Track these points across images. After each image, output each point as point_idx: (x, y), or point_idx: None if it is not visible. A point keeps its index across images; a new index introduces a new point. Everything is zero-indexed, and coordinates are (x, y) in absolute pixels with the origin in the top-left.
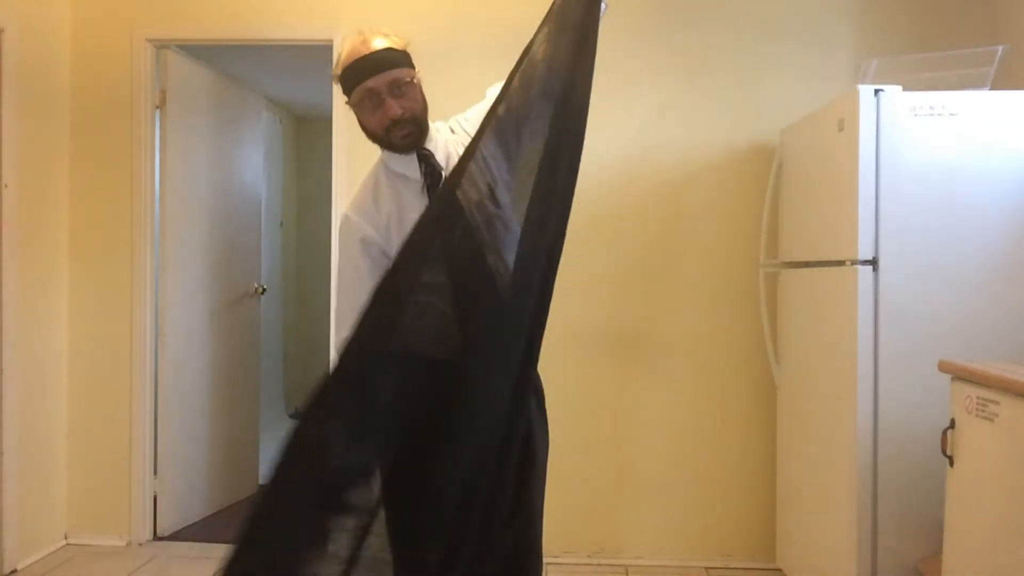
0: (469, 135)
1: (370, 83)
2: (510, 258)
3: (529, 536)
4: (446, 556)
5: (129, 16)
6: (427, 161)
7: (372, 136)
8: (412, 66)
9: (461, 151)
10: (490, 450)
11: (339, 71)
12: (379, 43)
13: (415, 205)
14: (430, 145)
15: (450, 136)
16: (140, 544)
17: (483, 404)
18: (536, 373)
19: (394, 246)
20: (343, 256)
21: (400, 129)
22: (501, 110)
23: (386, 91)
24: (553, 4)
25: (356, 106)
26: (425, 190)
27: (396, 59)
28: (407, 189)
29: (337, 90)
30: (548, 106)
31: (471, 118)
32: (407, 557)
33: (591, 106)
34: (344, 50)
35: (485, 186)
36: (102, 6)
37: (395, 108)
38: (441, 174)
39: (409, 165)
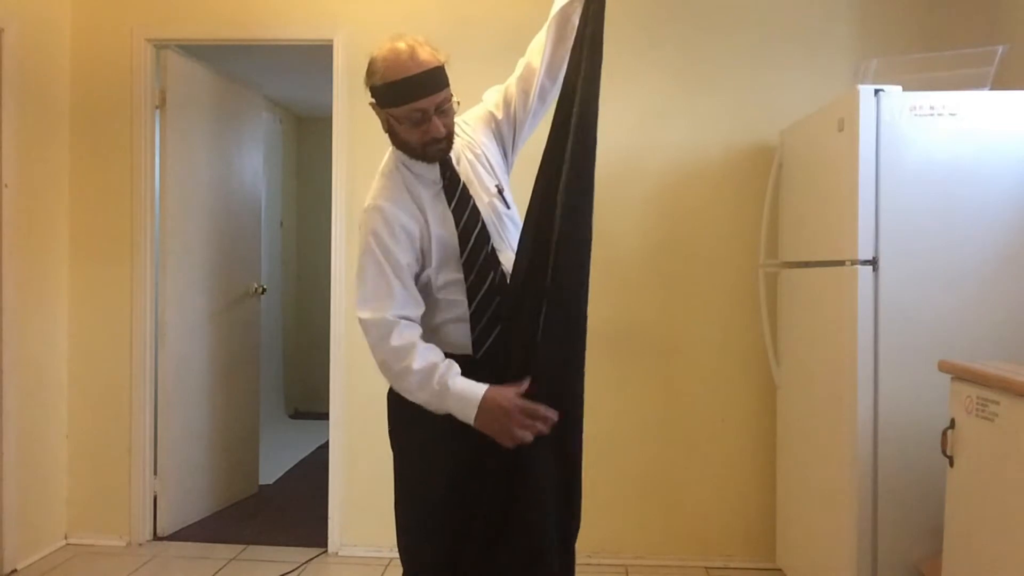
0: (472, 138)
1: (422, 104)
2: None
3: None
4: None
5: (129, 16)
6: (448, 166)
7: (404, 147)
8: (449, 82)
9: (468, 154)
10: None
11: (380, 82)
12: (427, 58)
13: (434, 206)
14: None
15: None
16: (140, 544)
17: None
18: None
19: (421, 240)
20: (379, 248)
21: (438, 144)
22: (500, 114)
23: (433, 111)
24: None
25: (397, 119)
26: (443, 192)
27: (444, 79)
28: (424, 189)
29: (339, 91)
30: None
31: (470, 121)
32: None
33: None
34: (385, 60)
35: (494, 187)
36: (102, 6)
37: (440, 128)
38: (459, 178)
39: (429, 168)
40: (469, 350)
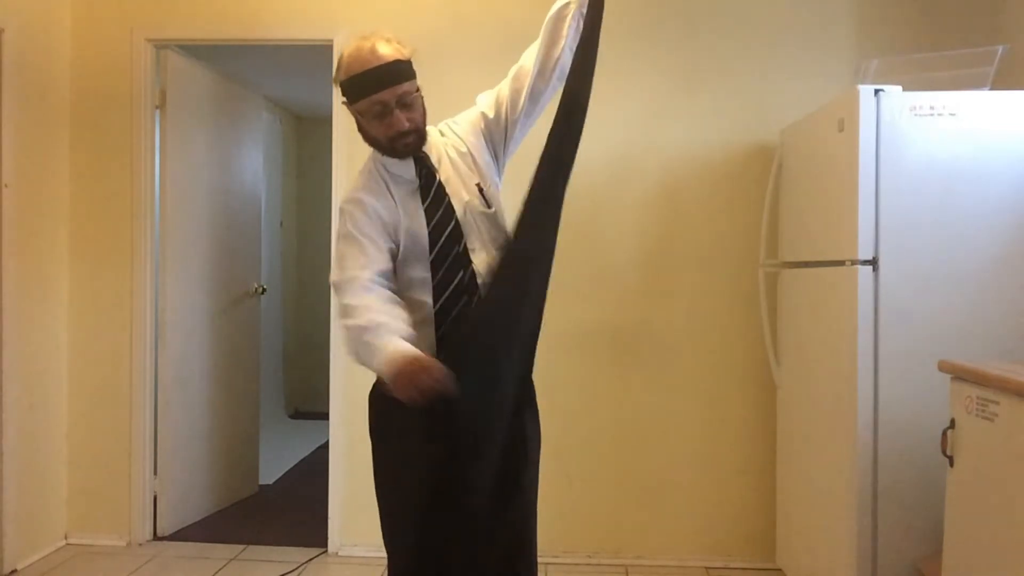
0: (460, 137)
1: (380, 96)
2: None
3: (526, 533)
4: (448, 541)
5: (129, 16)
6: (424, 164)
7: (373, 142)
8: (415, 76)
9: (452, 153)
10: (482, 441)
11: (343, 78)
12: (387, 52)
13: (408, 204)
14: (426, 148)
15: (440, 139)
16: (140, 544)
17: (471, 400)
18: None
19: (396, 231)
20: (355, 228)
21: (404, 139)
22: (491, 114)
23: (395, 103)
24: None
25: (361, 114)
26: (419, 191)
27: (405, 72)
28: (400, 188)
29: (337, 91)
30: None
31: (460, 122)
32: (406, 546)
33: (590, 105)
34: (349, 56)
35: (475, 186)
36: (102, 6)
37: (403, 121)
38: (436, 176)
39: (405, 167)
40: (434, 350)
